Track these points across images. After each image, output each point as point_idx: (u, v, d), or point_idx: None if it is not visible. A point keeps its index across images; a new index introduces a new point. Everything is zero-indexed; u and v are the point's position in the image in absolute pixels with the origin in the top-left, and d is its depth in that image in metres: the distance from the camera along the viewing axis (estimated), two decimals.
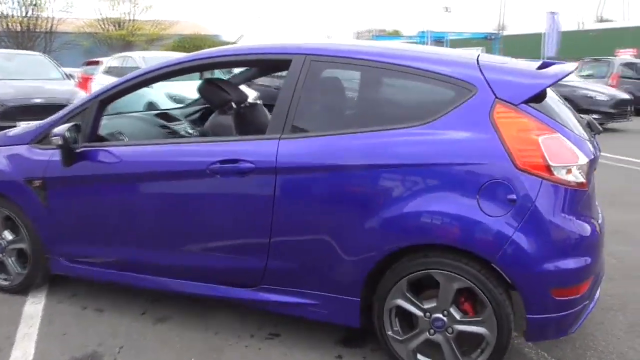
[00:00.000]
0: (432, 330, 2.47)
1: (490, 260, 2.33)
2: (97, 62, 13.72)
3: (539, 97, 2.43)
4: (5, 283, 3.43)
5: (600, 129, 3.01)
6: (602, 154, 2.79)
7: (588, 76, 15.47)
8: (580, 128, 2.65)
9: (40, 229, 3.22)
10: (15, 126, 7.34)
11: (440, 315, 2.44)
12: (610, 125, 12.36)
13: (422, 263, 2.43)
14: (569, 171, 2.31)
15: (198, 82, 6.90)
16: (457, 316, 2.43)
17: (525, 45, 32.14)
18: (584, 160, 2.35)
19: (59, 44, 33.44)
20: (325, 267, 2.58)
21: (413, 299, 2.48)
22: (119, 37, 36.25)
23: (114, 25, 37.65)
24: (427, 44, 29.26)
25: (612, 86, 14.72)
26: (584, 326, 2.76)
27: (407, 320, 2.57)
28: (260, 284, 2.73)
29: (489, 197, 2.30)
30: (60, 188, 3.10)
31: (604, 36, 34.64)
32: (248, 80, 4.18)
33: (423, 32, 33.79)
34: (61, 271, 3.28)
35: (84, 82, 12.30)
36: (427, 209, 2.37)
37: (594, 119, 3.21)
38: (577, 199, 2.37)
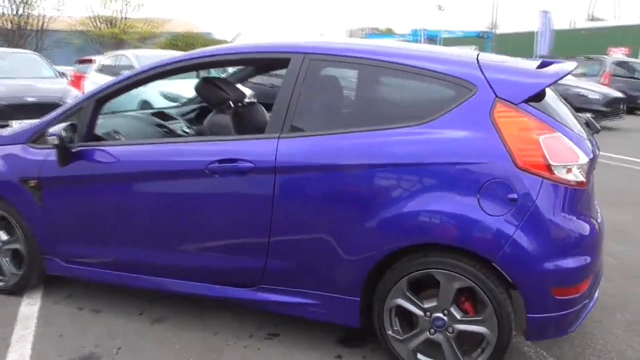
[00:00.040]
0: (432, 330, 2.46)
1: (491, 260, 2.32)
2: (90, 61, 13.63)
3: (539, 96, 2.43)
4: (0, 284, 3.39)
5: (599, 127, 3.01)
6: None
7: (581, 75, 15.54)
8: (580, 127, 2.66)
9: (36, 229, 3.19)
10: (7, 125, 7.30)
11: (441, 315, 2.44)
12: (603, 123, 12.38)
13: (422, 262, 2.42)
14: (569, 170, 2.31)
15: (192, 81, 6.87)
16: (458, 315, 2.42)
17: (518, 43, 32.26)
18: (584, 159, 2.35)
19: (50, 42, 33.23)
20: (325, 267, 2.57)
21: (413, 299, 2.47)
22: (111, 35, 36.03)
23: (106, 23, 37.39)
24: (420, 42, 29.28)
25: (605, 85, 14.80)
26: (583, 325, 2.76)
27: (407, 320, 2.56)
28: (259, 283, 2.72)
29: (489, 196, 2.30)
30: (56, 188, 3.07)
31: (596, 35, 34.86)
32: (244, 79, 4.16)
33: (416, 30, 33.80)
34: (57, 272, 3.25)
35: (76, 81, 12.23)
36: (427, 208, 2.36)
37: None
38: (577, 198, 2.38)
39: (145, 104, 7.74)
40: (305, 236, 2.58)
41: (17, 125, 6.25)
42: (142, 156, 2.88)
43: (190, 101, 4.42)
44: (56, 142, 2.83)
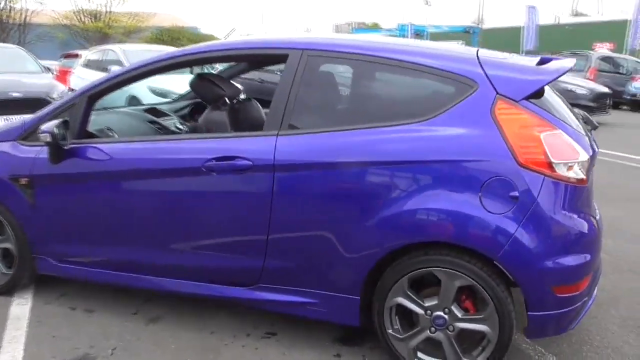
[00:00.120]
0: (433, 328, 2.45)
1: (493, 258, 2.31)
2: (75, 55, 13.46)
3: (539, 93, 2.42)
4: None
5: (596, 124, 3.01)
6: None
7: None
8: (578, 123, 2.65)
9: (27, 228, 3.12)
10: None
11: (442, 313, 2.42)
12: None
13: (423, 261, 2.40)
14: (569, 168, 2.31)
15: (181, 76, 6.81)
16: (459, 314, 2.41)
17: (504, 38, 32.41)
18: (584, 156, 2.35)
19: (33, 37, 32.70)
20: (324, 266, 2.55)
21: (414, 297, 2.46)
22: (96, 30, 35.52)
23: (90, 18, 36.85)
24: (407, 37, 29.30)
25: (591, 80, 14.93)
26: (580, 321, 2.77)
27: (407, 319, 2.55)
28: (258, 282, 2.69)
29: (491, 194, 2.28)
30: (48, 186, 3.01)
31: (580, 30, 35.16)
32: (238, 74, 4.11)
33: (403, 25, 33.81)
34: (49, 271, 3.19)
35: (62, 76, 12.06)
36: (429, 206, 2.34)
37: None
38: (577, 195, 2.37)
39: (133, 100, 7.67)
40: (304, 234, 2.55)
41: (2, 122, 6.15)
42: (136, 154, 2.83)
43: (182, 97, 4.36)
44: (48, 139, 2.77)
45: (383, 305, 2.50)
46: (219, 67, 7.83)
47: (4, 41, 24.92)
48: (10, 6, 32.83)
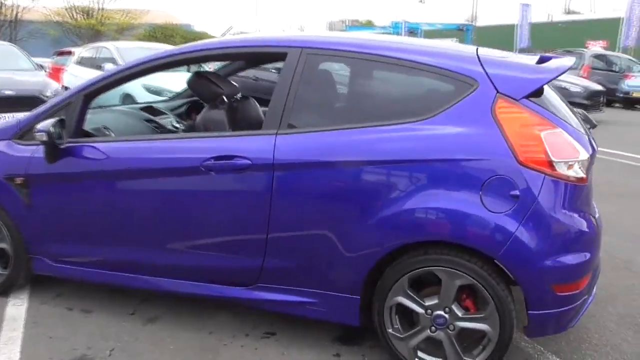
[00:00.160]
0: (433, 328, 2.44)
1: (494, 257, 2.31)
2: (68, 53, 13.36)
3: (538, 91, 2.41)
4: None
5: (595, 122, 3.02)
6: None
7: None
8: (578, 122, 2.65)
9: (23, 227, 3.09)
10: None
11: (442, 313, 2.42)
12: None
13: (423, 260, 2.40)
14: (570, 166, 2.31)
15: (176, 74, 6.76)
16: (459, 313, 2.40)
17: (498, 36, 32.46)
18: (584, 155, 2.35)
19: (24, 33, 32.47)
20: (324, 265, 2.54)
21: (415, 297, 2.45)
22: (88, 27, 35.30)
23: (83, 14, 36.62)
24: (401, 34, 29.29)
25: (584, 77, 14.99)
26: None
27: (407, 318, 2.54)
28: (257, 282, 2.67)
29: (491, 193, 2.28)
30: (43, 185, 2.98)
31: (573, 28, 35.30)
32: (234, 72, 4.08)
33: (397, 22, 33.79)
34: (45, 271, 3.16)
35: (55, 73, 11.97)
36: (429, 205, 2.34)
37: None
38: (577, 194, 2.37)
39: (127, 97, 7.62)
40: (304, 234, 2.54)
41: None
42: (134, 153, 2.81)
43: (178, 95, 4.33)
44: (44, 138, 2.73)
45: (383, 304, 2.49)
46: (209, 65, 7.80)
47: None
48: (1, 2, 32.57)
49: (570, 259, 2.33)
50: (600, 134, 10.43)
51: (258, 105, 3.43)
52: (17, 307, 3.15)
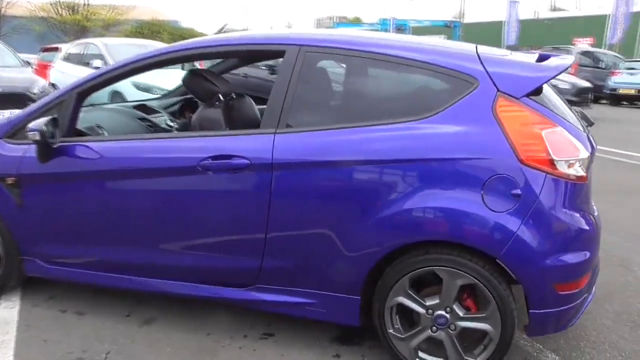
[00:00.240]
0: (434, 328, 2.43)
1: (495, 256, 2.30)
2: (55, 49, 13.17)
3: (538, 90, 2.40)
4: None
5: (592, 121, 3.02)
6: None
7: None
8: (576, 120, 2.65)
9: (14, 228, 3.03)
10: None
11: (443, 312, 2.40)
12: None
13: (424, 260, 2.38)
14: (570, 165, 2.30)
15: (165, 71, 6.65)
16: (460, 313, 2.39)
17: (485, 33, 32.62)
18: (585, 153, 2.35)
19: (8, 29, 32.02)
20: (324, 266, 2.51)
21: (415, 297, 2.44)
22: (74, 22, 34.89)
23: (68, 10, 36.18)
24: (389, 31, 29.30)
25: (572, 74, 15.08)
26: None
27: (408, 318, 2.53)
28: (255, 283, 2.64)
29: (493, 192, 2.27)
30: (36, 186, 2.92)
31: (559, 25, 35.56)
32: (227, 70, 4.03)
33: (385, 19, 33.80)
34: (37, 273, 3.10)
35: (41, 70, 11.79)
36: (430, 204, 2.32)
37: None
38: (577, 193, 2.37)
39: (116, 95, 7.51)
40: (303, 234, 2.51)
41: None
42: (128, 152, 2.75)
43: (171, 93, 4.27)
44: (37, 137, 2.67)
45: (384, 305, 2.47)
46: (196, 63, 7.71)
47: None
48: None
49: (571, 257, 2.33)
50: (591, 130, 10.55)
51: (254, 104, 3.39)
52: (9, 309, 3.09)
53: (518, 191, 2.25)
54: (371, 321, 2.56)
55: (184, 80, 3.16)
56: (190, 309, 3.07)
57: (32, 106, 3.02)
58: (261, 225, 2.53)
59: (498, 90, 2.34)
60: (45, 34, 32.66)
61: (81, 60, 9.91)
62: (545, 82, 2.40)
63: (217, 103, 2.99)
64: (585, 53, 18.33)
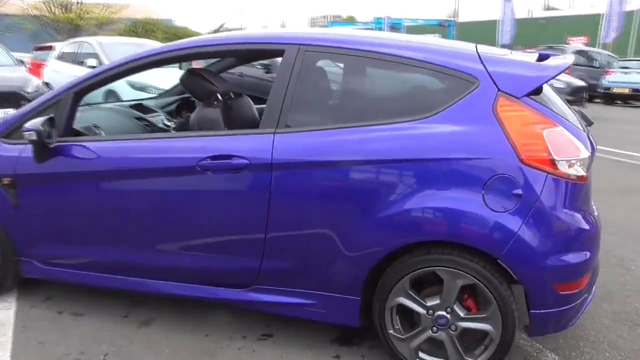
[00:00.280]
0: (435, 328, 2.42)
1: (496, 256, 2.29)
2: (49, 47, 13.08)
3: (538, 89, 2.40)
4: None
5: (592, 120, 3.01)
6: None
7: None
8: (576, 120, 2.65)
9: (10, 229, 3.00)
10: None
11: (444, 313, 2.40)
12: None
13: (425, 260, 2.37)
14: (571, 165, 2.30)
15: (160, 70, 6.65)
16: (461, 313, 2.39)
17: (480, 32, 32.63)
18: (585, 153, 2.34)
19: (1, 27, 31.80)
20: (323, 266, 2.50)
21: (416, 297, 2.43)
22: (67, 21, 34.67)
23: (61, 8, 35.95)
24: (383, 30, 29.32)
25: (566, 73, 15.13)
26: None
27: (408, 319, 2.52)
28: (254, 284, 2.63)
29: (494, 192, 2.26)
30: (32, 186, 2.89)
31: (553, 24, 35.68)
32: (225, 69, 4.01)
33: (379, 18, 33.83)
34: (34, 274, 3.07)
35: (34, 69, 11.72)
36: (431, 205, 2.31)
37: None
38: (577, 193, 2.37)
39: (110, 93, 7.47)
40: (303, 235, 2.49)
41: None
42: (126, 152, 2.73)
43: (168, 92, 4.25)
44: (33, 137, 2.65)
45: (384, 305, 2.46)
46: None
47: None
48: None
49: (572, 257, 2.33)
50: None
51: (252, 103, 3.38)
52: (6, 310, 3.06)
53: (519, 191, 2.24)
54: (371, 322, 2.55)
55: (182, 79, 3.14)
56: (189, 310, 3.05)
57: (29, 106, 2.99)
58: (261, 226, 2.51)
59: (499, 89, 2.33)
60: (38, 33, 32.46)
61: (75, 59, 9.85)
62: (546, 82, 2.39)
63: (215, 103, 2.98)
64: (579, 52, 18.39)
